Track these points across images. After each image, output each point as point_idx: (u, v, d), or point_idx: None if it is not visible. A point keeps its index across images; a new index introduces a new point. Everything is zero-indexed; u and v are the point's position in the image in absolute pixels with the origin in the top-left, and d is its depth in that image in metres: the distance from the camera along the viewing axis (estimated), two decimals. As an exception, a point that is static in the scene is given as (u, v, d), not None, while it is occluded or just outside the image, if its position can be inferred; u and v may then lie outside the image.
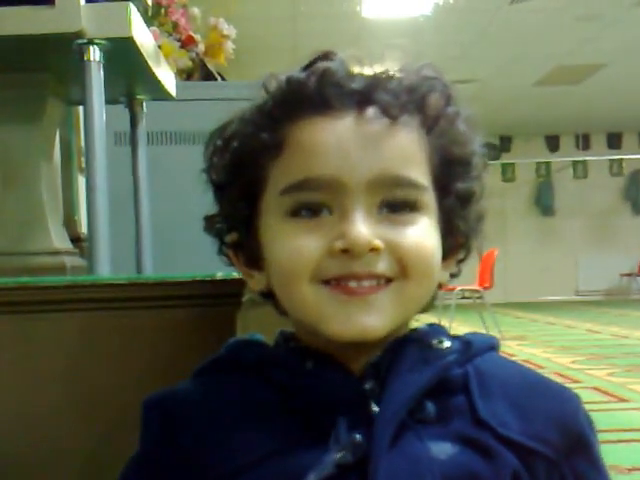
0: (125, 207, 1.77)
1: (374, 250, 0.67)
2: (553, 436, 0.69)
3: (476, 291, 6.73)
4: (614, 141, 13.12)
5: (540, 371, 0.78)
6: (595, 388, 3.76)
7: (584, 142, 13.10)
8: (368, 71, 0.70)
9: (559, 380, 0.82)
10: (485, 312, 6.66)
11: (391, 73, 0.70)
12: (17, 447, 1.00)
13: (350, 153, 0.67)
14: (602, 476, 0.73)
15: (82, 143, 2.03)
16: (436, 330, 0.74)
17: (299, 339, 0.73)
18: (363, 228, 0.66)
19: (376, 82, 0.69)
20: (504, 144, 12.93)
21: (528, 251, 12.79)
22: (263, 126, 0.70)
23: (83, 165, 1.58)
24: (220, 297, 0.99)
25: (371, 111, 0.68)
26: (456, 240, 0.74)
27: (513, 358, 0.93)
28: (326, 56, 0.72)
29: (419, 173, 0.69)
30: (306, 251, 0.67)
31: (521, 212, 12.93)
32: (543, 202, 13.12)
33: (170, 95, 1.76)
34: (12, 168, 1.54)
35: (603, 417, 3.08)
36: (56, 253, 1.50)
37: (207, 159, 0.76)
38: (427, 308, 0.74)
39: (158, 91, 1.72)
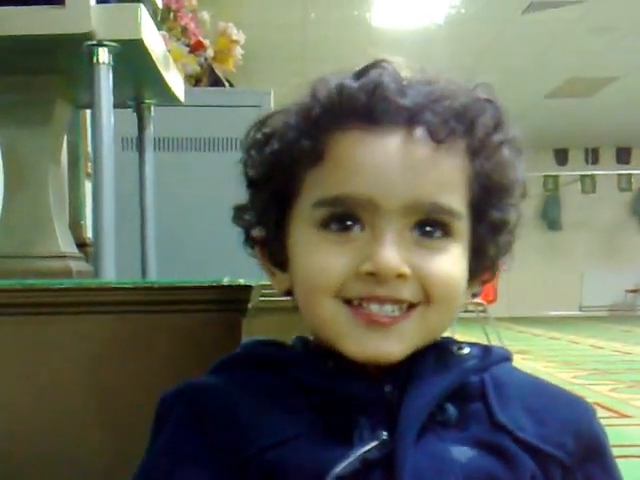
0: (131, 212, 1.77)
1: (401, 276, 0.66)
2: (568, 441, 0.70)
3: (479, 304, 6.67)
4: (623, 156, 13.06)
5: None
6: (597, 404, 3.73)
7: (593, 156, 13.05)
8: (421, 86, 0.69)
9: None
10: (488, 326, 6.61)
11: (444, 92, 0.68)
12: (25, 449, 1.00)
13: (388, 176, 0.66)
14: None
15: (89, 147, 2.03)
16: (451, 340, 0.74)
17: (318, 342, 0.73)
18: (392, 253, 0.66)
19: (427, 101, 0.67)
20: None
21: (533, 265, 12.70)
22: (306, 133, 0.69)
23: (90, 170, 1.57)
24: (226, 303, 0.99)
25: (418, 132, 0.67)
26: (484, 264, 0.75)
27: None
28: (380, 64, 0.70)
29: (457, 200, 0.69)
30: (332, 269, 0.67)
31: (527, 226, 12.75)
32: (550, 216, 13.06)
33: (178, 100, 1.76)
34: (19, 171, 1.53)
35: (606, 433, 3.05)
36: (62, 257, 1.49)
37: (244, 150, 0.75)
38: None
39: (166, 95, 1.71)
